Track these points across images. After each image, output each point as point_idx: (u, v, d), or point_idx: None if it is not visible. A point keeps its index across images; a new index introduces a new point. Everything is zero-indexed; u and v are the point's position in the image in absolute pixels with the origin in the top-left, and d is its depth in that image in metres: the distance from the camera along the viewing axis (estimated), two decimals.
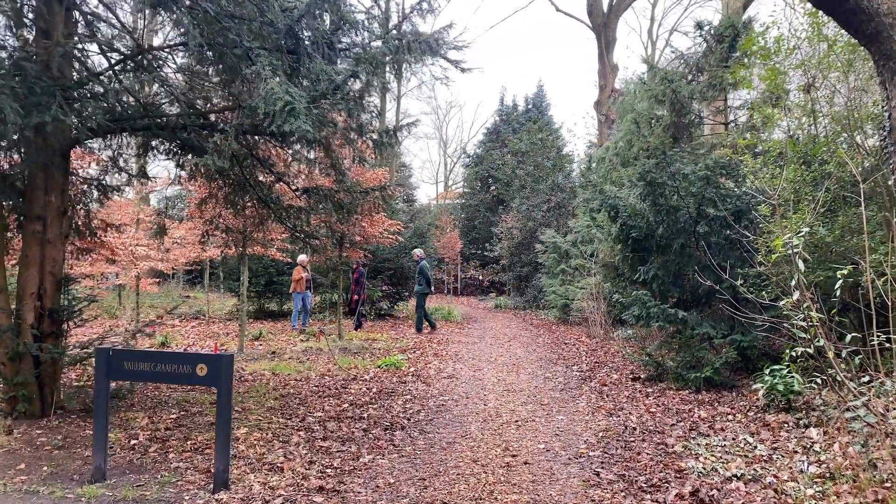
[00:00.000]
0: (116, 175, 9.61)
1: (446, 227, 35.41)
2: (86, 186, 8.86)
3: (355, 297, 16.24)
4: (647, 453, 5.79)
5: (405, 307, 22.11)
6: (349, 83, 5.77)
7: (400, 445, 6.11)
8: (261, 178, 8.77)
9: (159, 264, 15.96)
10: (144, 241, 16.17)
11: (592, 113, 28.53)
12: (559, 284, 18.82)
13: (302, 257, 16.40)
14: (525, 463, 5.57)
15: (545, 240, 20.21)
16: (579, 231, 17.82)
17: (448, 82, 54.01)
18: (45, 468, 5.30)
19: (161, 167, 33.13)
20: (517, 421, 7.09)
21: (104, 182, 9.38)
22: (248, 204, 9.24)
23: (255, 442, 5.97)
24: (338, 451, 5.82)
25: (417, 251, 16.49)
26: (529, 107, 40.14)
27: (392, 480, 5.10)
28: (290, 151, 6.93)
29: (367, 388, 8.81)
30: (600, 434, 6.50)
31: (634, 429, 6.67)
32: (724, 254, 8.66)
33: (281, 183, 8.37)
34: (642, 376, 9.57)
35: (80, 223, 8.68)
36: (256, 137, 7.70)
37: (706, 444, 5.98)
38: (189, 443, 5.90)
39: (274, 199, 8.56)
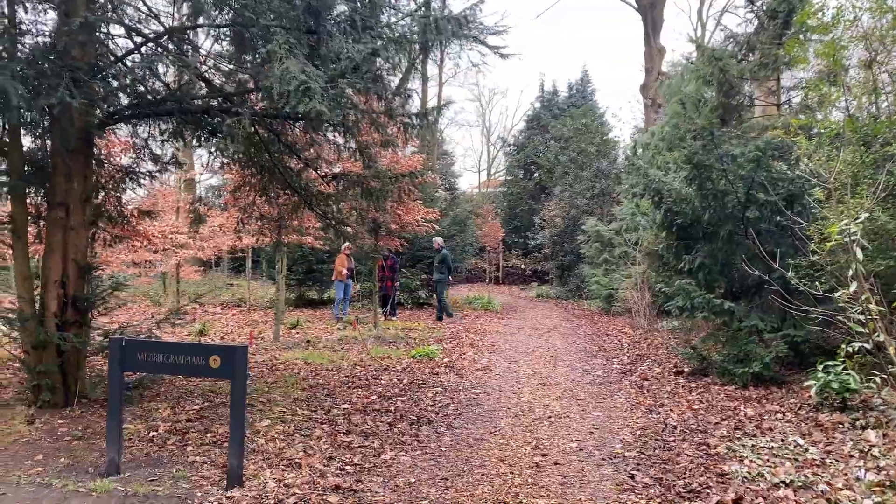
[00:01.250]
0: (149, 162, 9.57)
1: (488, 215, 35.05)
2: (117, 174, 8.81)
3: (389, 283, 16.05)
4: (688, 454, 5.41)
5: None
6: (372, 63, 5.49)
7: (425, 441, 5.85)
8: (291, 164, 8.59)
9: (198, 252, 16.00)
10: (184, 229, 16.25)
11: (639, 97, 27.78)
12: (602, 274, 18.34)
13: (346, 244, 16.18)
14: (555, 463, 5.25)
15: (588, 228, 19.71)
16: (623, 219, 17.30)
17: (489, 69, 53.57)
18: (62, 459, 5.19)
19: (203, 155, 33.36)
20: (550, 417, 6.76)
21: (136, 169, 9.33)
22: (280, 191, 9.09)
23: (276, 436, 5.78)
24: (359, 447, 5.58)
25: (438, 239, 16.19)
26: (573, 92, 39.30)
27: (412, 480, 4.84)
28: (311, 135, 6.66)
29: (398, 379, 8.58)
30: (638, 432, 6.14)
31: (675, 427, 6.28)
32: (774, 241, 8.15)
33: (309, 169, 8.15)
34: (686, 370, 9.13)
35: (111, 210, 8.64)
36: (285, 122, 7.51)
37: (752, 446, 5.57)
38: (209, 435, 5.74)
39: (303, 186, 8.35)
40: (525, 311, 19.62)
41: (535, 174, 36.44)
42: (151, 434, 5.72)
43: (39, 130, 6.59)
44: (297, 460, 5.17)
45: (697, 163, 8.45)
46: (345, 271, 15.90)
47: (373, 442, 5.73)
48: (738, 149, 8.27)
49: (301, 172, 8.07)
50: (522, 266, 35.82)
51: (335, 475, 4.88)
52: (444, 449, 5.63)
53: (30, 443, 5.55)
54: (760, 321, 8.18)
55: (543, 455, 5.47)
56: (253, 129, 7.70)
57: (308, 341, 12.05)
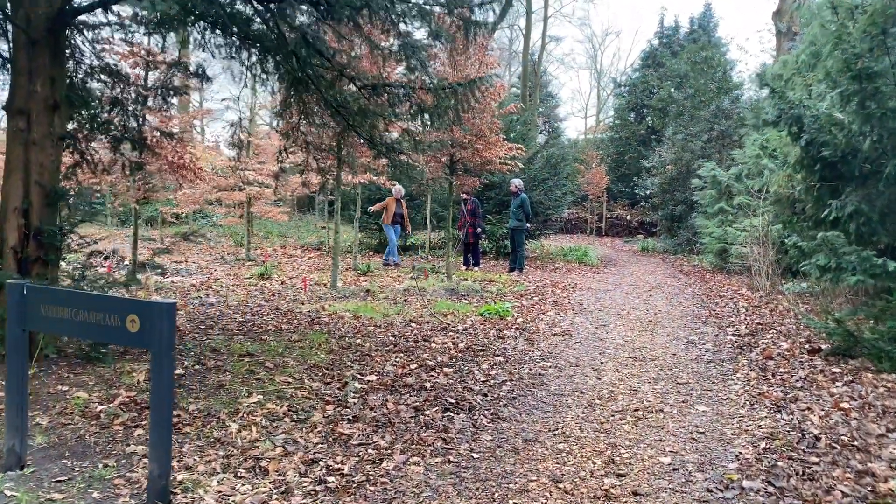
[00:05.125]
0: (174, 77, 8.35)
1: (592, 161, 32.61)
2: (132, 89, 7.61)
3: (470, 229, 14.43)
4: (842, 491, 3.55)
5: (537, 248, 20.07)
6: None
7: (454, 440, 4.25)
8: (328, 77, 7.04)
9: (266, 190, 14.92)
10: (253, 164, 15.21)
11: (770, 26, 24.37)
12: (717, 226, 15.99)
13: (397, 188, 15.06)
14: (634, 493, 3.53)
15: (703, 174, 17.24)
16: (745, 163, 14.83)
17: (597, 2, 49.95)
18: None
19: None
20: (637, 410, 4.99)
21: (169, 83, 8.16)
22: (322, 112, 7.63)
23: (258, 419, 4.34)
24: (360, 444, 4.06)
25: (516, 181, 14.27)
26: (694, 28, 35.61)
27: None
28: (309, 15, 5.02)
29: (453, 343, 7.02)
30: (762, 444, 4.28)
31: (817, 438, 4.38)
32: None
33: (344, 79, 6.55)
34: (824, 348, 7.06)
35: (131, 132, 7.49)
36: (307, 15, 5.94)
37: None
38: (172, 414, 4.36)
39: (341, 102, 6.78)
40: (626, 266, 17.56)
41: (647, 118, 33.48)
42: (101, 408, 4.41)
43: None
44: (266, 462, 3.71)
45: (861, 71, 6.23)
46: (392, 215, 15.11)
47: (382, 437, 4.19)
48: None
49: (335, 82, 6.48)
50: (628, 217, 33.25)
51: (305, 493, 3.38)
52: (476, 456, 4.01)
53: None
54: None
55: (619, 476, 3.76)
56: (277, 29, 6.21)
57: (367, 291, 10.67)
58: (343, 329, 7.47)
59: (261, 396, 4.76)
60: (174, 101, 8.45)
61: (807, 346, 7.26)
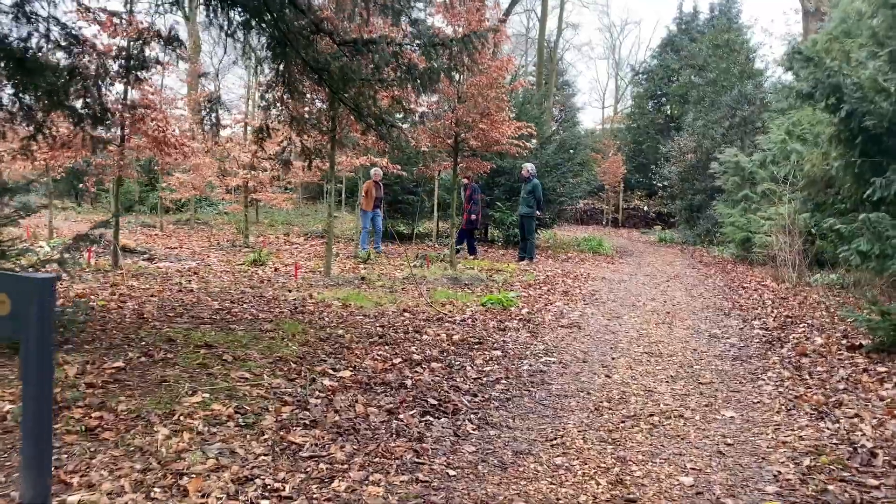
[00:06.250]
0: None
1: (608, 149, 31.70)
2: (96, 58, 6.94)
3: (466, 215, 13.72)
4: None
5: (550, 237, 19.27)
6: None
7: (428, 453, 3.50)
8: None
9: (261, 174, 14.19)
10: (251, 147, 14.51)
11: (796, 6, 23.35)
12: (739, 214, 15.11)
13: (375, 171, 14.24)
14: None
15: (725, 159, 16.33)
16: (770, 149, 13.95)
17: None
18: None
19: None
20: (653, 415, 4.23)
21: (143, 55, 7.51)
22: (305, 78, 6.89)
23: (197, 423, 3.61)
24: (311, 457, 3.32)
25: (527, 166, 13.52)
26: (715, 13, 34.50)
27: None
28: None
29: (447, 335, 6.27)
30: (805, 461, 3.50)
31: (872, 454, 3.60)
32: None
33: (323, 36, 5.80)
34: (864, 344, 6.26)
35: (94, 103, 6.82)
36: None
37: None
38: (94, 416, 3.64)
39: (322, 64, 6.02)
40: (642, 257, 16.73)
41: (665, 106, 32.50)
42: (9, 408, 3.71)
43: None
44: (188, 480, 2.99)
45: None
46: (373, 200, 14.19)
47: (341, 447, 3.45)
48: None
49: (312, 39, 5.74)
50: (645, 208, 32.33)
51: None
52: (452, 473, 3.26)
53: None
54: None
55: (628, 501, 3.00)
56: None
57: (363, 278, 9.95)
58: (327, 318, 6.75)
59: (207, 395, 4.04)
60: (148, 71, 7.76)
61: (845, 342, 6.47)
